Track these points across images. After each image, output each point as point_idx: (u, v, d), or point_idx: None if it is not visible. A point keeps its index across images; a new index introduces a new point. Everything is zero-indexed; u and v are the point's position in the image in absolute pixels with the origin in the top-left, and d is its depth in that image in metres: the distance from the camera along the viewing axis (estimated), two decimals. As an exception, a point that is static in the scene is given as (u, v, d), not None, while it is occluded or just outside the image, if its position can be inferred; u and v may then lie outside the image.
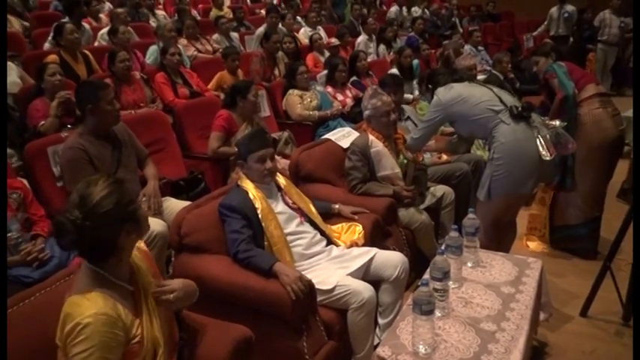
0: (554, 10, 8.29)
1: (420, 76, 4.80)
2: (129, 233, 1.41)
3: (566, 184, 3.11)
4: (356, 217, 2.57)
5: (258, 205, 2.19)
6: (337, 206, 2.63)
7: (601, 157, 3.03)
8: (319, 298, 2.07)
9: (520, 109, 2.45)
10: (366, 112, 3.00)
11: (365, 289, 2.07)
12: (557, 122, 2.53)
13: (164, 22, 5.49)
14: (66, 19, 4.84)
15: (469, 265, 2.14)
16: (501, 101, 2.51)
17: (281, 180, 2.42)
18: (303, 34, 6.68)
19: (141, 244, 1.64)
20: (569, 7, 8.15)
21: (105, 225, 1.35)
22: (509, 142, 2.42)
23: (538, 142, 2.40)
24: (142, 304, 1.46)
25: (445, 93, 2.63)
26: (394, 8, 8.58)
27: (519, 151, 2.41)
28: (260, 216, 2.17)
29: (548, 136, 2.43)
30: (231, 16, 6.87)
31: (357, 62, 4.95)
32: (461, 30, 8.25)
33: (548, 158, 2.40)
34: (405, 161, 2.97)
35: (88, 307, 1.30)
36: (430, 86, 2.93)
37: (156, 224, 2.42)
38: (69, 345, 1.29)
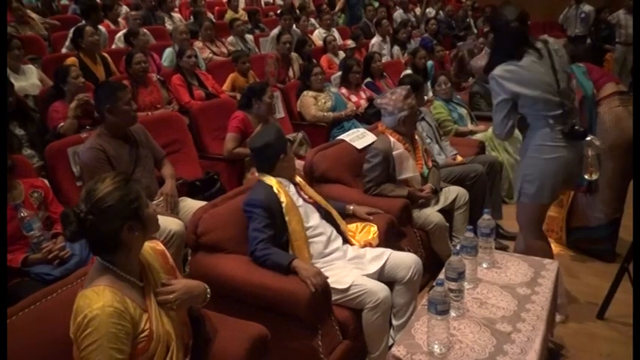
0: (572, 10, 8.20)
1: (434, 76, 4.77)
2: (131, 230, 1.42)
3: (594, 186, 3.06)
4: (371, 217, 2.57)
5: (283, 199, 2.21)
6: (352, 207, 2.63)
7: (621, 156, 2.98)
8: (334, 298, 2.08)
9: (577, 132, 2.31)
10: (402, 114, 2.88)
11: (380, 289, 2.08)
12: (598, 142, 2.40)
13: (176, 25, 5.55)
14: (83, 23, 4.91)
15: (484, 265, 2.14)
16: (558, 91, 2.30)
17: (297, 178, 2.44)
18: (317, 35, 6.71)
19: (158, 245, 1.67)
20: (587, 7, 8.04)
21: (107, 220, 1.38)
22: (547, 148, 2.32)
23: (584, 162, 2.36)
24: (151, 299, 1.49)
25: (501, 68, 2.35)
26: (399, 12, 8.52)
27: (556, 166, 2.33)
28: (284, 210, 2.19)
29: (591, 155, 2.36)
30: (246, 18, 6.92)
31: (371, 64, 4.93)
32: (475, 31, 8.20)
33: (589, 178, 2.38)
34: (427, 171, 2.98)
35: (96, 300, 1.34)
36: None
37: (173, 223, 2.46)
38: (79, 338, 1.33)
